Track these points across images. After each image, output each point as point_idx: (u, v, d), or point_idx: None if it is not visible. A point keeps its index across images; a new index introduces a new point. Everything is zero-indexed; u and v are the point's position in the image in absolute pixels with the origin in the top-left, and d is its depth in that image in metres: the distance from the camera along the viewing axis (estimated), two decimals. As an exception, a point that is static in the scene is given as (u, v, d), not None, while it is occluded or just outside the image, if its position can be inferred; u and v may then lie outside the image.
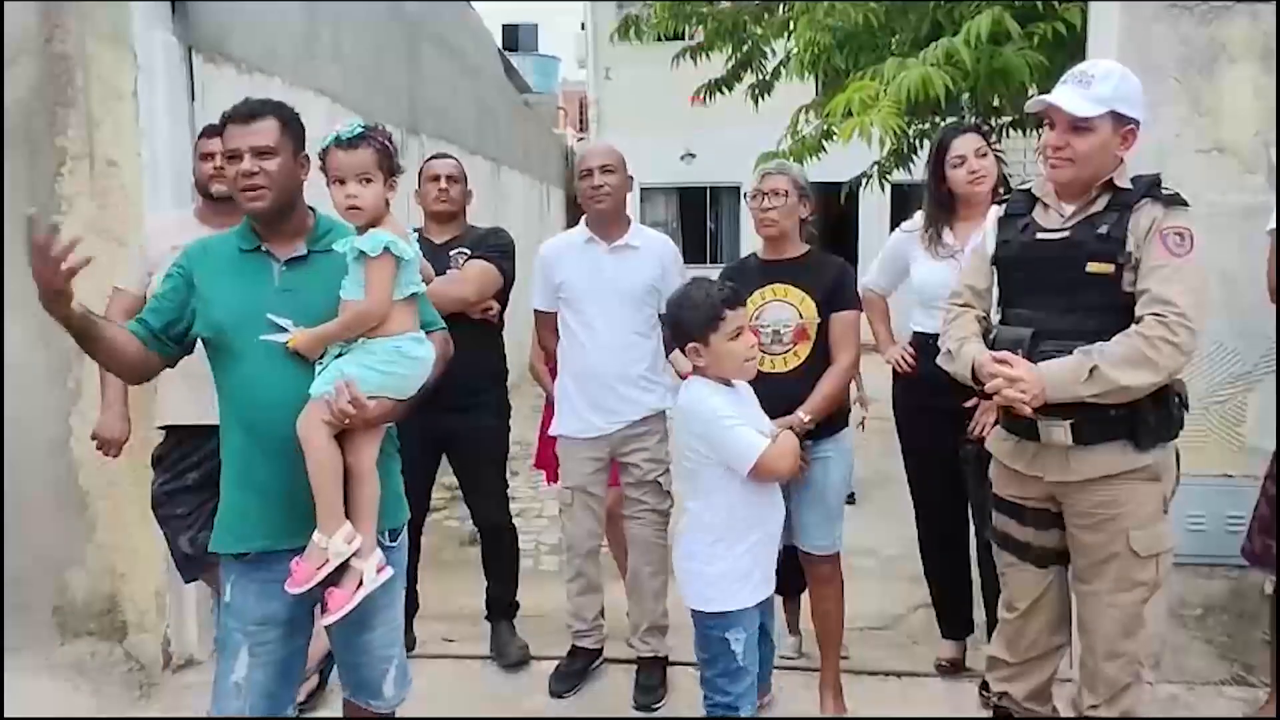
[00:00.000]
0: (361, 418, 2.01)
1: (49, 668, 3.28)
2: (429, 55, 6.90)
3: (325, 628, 2.15)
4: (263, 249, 2.16)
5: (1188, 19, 3.07)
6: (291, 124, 2.16)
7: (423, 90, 6.63)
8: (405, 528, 2.31)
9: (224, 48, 3.73)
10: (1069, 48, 4.29)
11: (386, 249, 2.04)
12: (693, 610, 2.43)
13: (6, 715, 2.96)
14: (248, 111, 2.12)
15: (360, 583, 2.06)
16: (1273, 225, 2.84)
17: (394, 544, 2.22)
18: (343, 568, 2.05)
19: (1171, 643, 3.21)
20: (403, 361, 2.09)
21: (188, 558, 2.98)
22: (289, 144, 2.13)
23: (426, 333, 2.22)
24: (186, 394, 2.95)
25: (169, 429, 3.02)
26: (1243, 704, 3.07)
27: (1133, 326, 2.13)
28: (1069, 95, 2.22)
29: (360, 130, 2.10)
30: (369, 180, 2.07)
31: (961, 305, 2.48)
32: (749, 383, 2.86)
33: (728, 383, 2.39)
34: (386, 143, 2.13)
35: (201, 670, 3.46)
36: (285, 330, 2.08)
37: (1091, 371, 2.10)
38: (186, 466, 2.98)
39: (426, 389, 2.19)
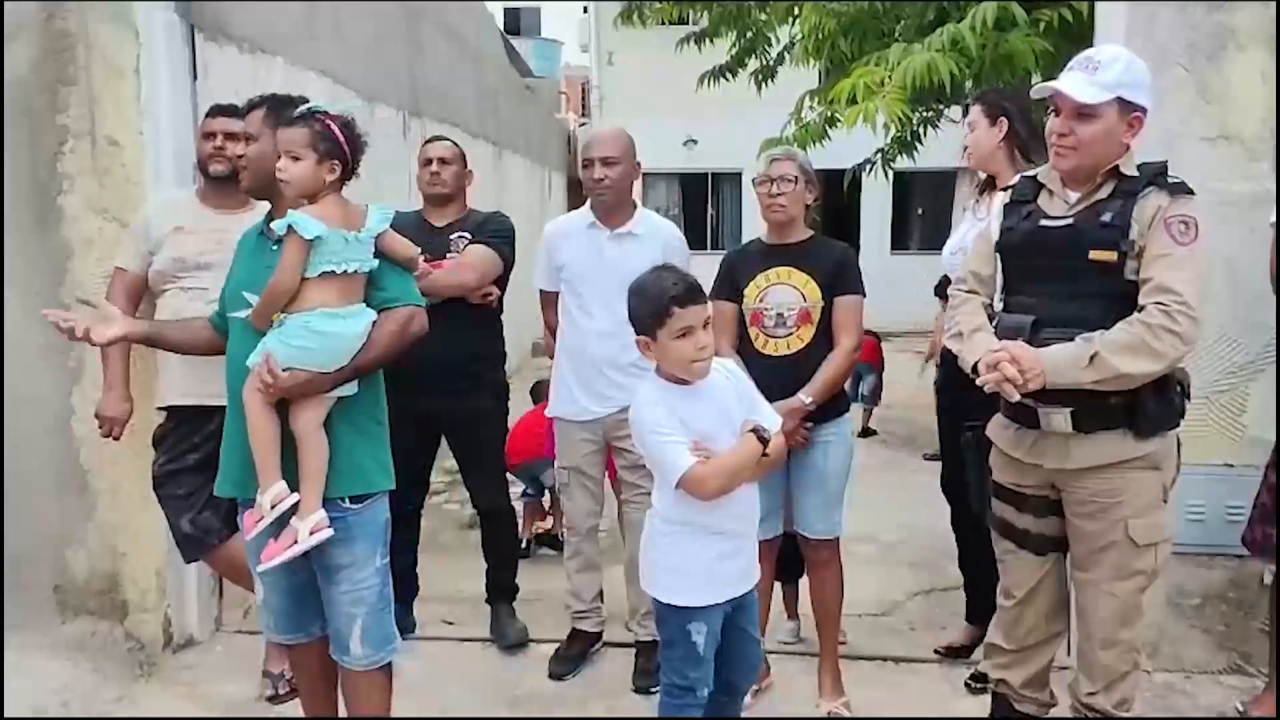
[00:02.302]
0: (278, 387, 2.17)
1: (49, 646, 3.29)
2: (431, 38, 6.87)
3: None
4: (265, 230, 2.37)
5: (1195, 5, 3.06)
6: (276, 111, 2.33)
7: (424, 73, 6.60)
8: (381, 498, 2.38)
9: (226, 27, 3.71)
10: (1075, 34, 4.27)
11: (290, 228, 2.17)
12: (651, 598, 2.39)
13: (7, 698, 2.97)
14: (246, 106, 2.41)
15: (295, 541, 2.21)
16: (1274, 218, 2.83)
17: (355, 507, 2.31)
18: (284, 522, 2.22)
19: (1170, 631, 3.22)
20: (311, 336, 2.20)
21: (188, 538, 2.98)
22: (270, 130, 2.31)
23: (387, 309, 2.31)
24: (188, 375, 2.95)
25: (170, 410, 3.02)
26: (1239, 692, 3.08)
27: (1135, 314, 2.11)
28: (1075, 82, 2.20)
29: (308, 110, 2.24)
30: (296, 158, 2.20)
31: (967, 291, 2.47)
32: (749, 365, 2.85)
33: (687, 380, 2.26)
34: (336, 128, 2.24)
35: (202, 650, 3.48)
36: (251, 305, 2.27)
37: (1092, 358, 2.08)
38: (187, 447, 2.97)
39: (392, 360, 2.33)
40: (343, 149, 2.25)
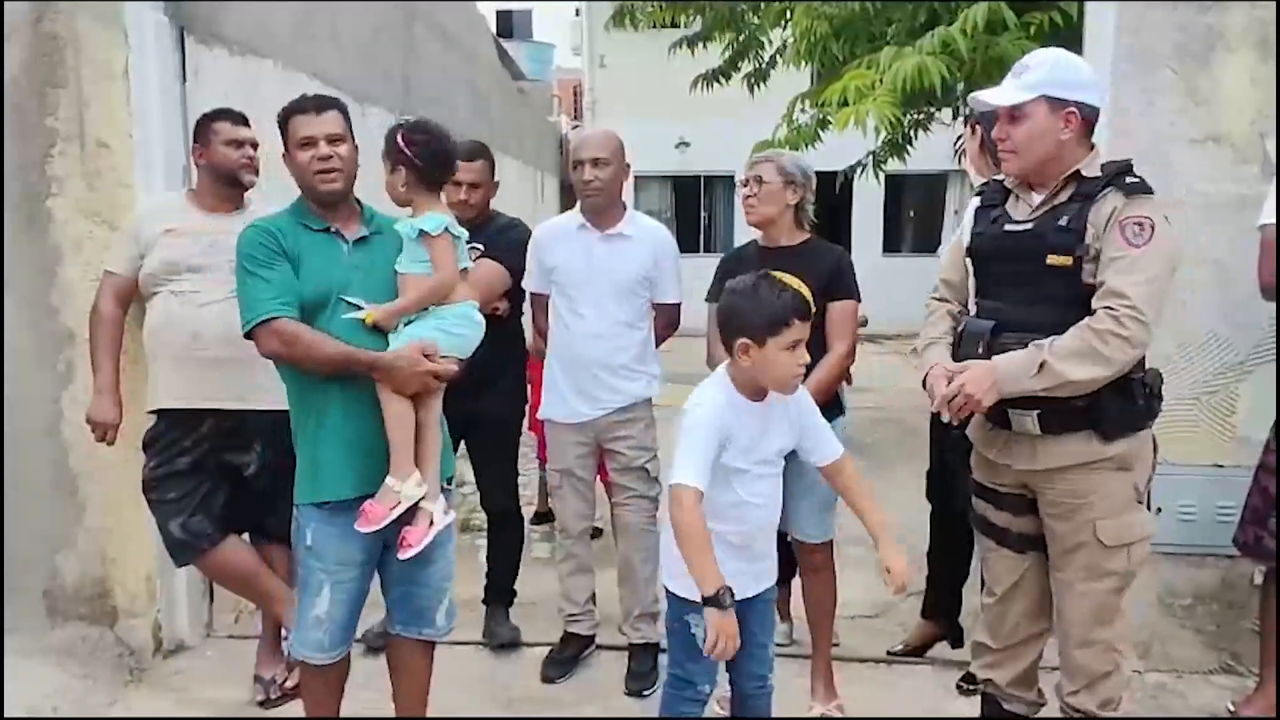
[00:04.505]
0: (445, 374, 2.30)
1: (40, 651, 3.27)
2: (424, 40, 6.86)
3: (381, 568, 2.45)
4: (332, 229, 2.38)
5: (1185, 7, 3.07)
6: (348, 117, 2.43)
7: (417, 76, 6.59)
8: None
9: (217, 29, 3.70)
10: (1065, 37, 4.29)
11: (446, 229, 2.32)
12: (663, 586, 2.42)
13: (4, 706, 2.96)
14: (316, 104, 2.39)
15: (431, 522, 2.34)
16: (1266, 220, 2.82)
17: (450, 489, 2.49)
18: (413, 510, 2.32)
19: (1160, 631, 3.23)
20: (470, 324, 2.39)
21: (179, 542, 2.97)
22: (350, 134, 2.41)
23: None
24: (179, 378, 2.94)
25: (161, 413, 3.00)
26: (1230, 692, 3.09)
27: (1085, 320, 2.10)
28: (1001, 87, 2.25)
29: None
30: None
31: (938, 300, 2.51)
32: None
33: (762, 396, 2.24)
34: (396, 137, 2.41)
35: (192, 655, 3.46)
36: (360, 308, 2.31)
37: (1041, 366, 2.09)
38: (178, 451, 2.96)
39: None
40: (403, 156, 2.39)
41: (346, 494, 2.33)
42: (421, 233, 2.31)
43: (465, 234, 2.42)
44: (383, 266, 2.35)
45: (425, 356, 2.27)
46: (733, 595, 2.10)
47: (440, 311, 2.35)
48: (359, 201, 2.46)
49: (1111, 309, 2.08)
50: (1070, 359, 2.08)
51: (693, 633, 2.30)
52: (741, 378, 2.22)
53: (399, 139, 2.38)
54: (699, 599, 2.24)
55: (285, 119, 2.39)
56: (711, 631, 2.09)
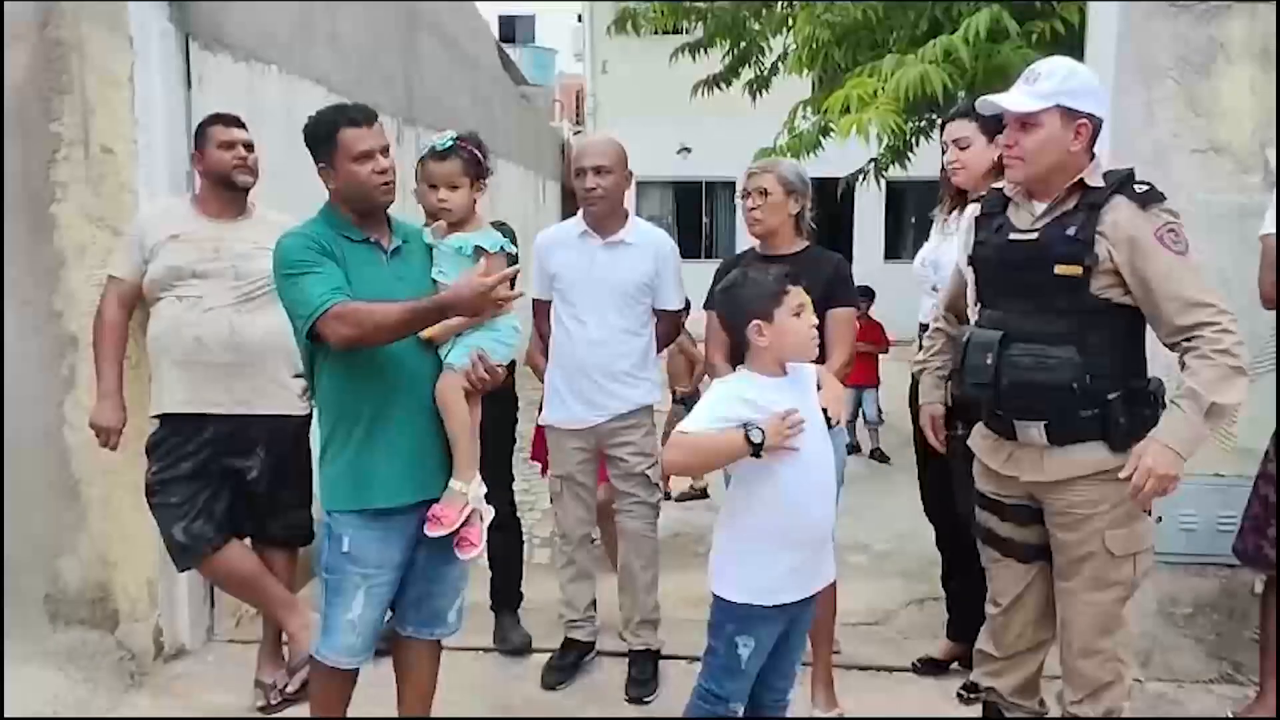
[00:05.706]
0: (494, 382, 2.37)
1: (41, 655, 3.27)
2: (426, 45, 6.87)
3: (404, 568, 2.45)
4: (371, 240, 2.38)
5: (1186, 17, 3.08)
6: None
7: (419, 80, 6.60)
8: None
9: (221, 35, 3.71)
10: (1067, 45, 4.30)
11: (502, 247, 2.41)
12: (713, 594, 2.35)
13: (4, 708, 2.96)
14: (364, 116, 2.35)
15: (480, 518, 2.43)
16: (1267, 230, 2.82)
17: None
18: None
19: (1161, 641, 3.23)
20: (516, 335, 2.47)
21: (181, 546, 2.97)
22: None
23: None
24: (182, 383, 2.95)
25: (163, 418, 3.01)
26: (1231, 702, 3.09)
27: (1198, 344, 2.09)
28: (1014, 94, 2.23)
29: (451, 143, 2.40)
30: (456, 187, 2.39)
31: (939, 328, 2.56)
32: None
33: (783, 371, 2.27)
34: (475, 150, 2.42)
35: (194, 659, 3.47)
36: None
37: (1209, 408, 2.07)
38: (181, 455, 2.97)
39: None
40: (484, 170, 2.47)
41: (404, 500, 2.35)
42: (477, 249, 2.36)
43: (515, 249, 2.49)
44: (419, 276, 2.39)
45: (483, 368, 2.33)
46: (756, 426, 2.15)
47: (495, 323, 2.40)
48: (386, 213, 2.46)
49: (1214, 323, 2.09)
50: (1223, 386, 2.07)
51: (738, 652, 2.27)
52: (761, 361, 2.25)
53: (482, 154, 2.43)
54: (757, 601, 2.23)
55: (329, 130, 2.30)
56: (775, 433, 2.14)
